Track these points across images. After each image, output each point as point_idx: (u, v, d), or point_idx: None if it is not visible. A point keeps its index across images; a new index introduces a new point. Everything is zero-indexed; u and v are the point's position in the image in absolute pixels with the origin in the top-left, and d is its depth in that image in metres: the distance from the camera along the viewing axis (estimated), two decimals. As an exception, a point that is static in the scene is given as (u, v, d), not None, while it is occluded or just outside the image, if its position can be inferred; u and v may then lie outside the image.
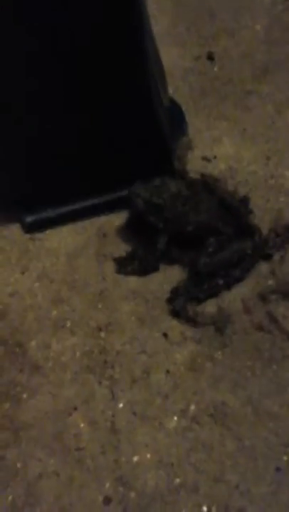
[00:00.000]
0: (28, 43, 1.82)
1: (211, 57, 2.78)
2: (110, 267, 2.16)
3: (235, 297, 2.09)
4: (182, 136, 2.44)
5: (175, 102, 2.53)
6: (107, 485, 1.72)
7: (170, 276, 2.14)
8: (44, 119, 2.02)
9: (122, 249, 2.20)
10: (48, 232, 2.27)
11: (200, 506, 1.68)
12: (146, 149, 2.18)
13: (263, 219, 2.24)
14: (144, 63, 1.98)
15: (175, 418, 1.83)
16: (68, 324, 2.03)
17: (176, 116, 2.50)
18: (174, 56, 2.80)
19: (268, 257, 2.10)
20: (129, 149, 2.16)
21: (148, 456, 1.77)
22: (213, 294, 2.05)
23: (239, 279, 2.06)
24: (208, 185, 2.19)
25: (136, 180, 2.17)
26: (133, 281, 2.11)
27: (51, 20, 1.79)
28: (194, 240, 2.09)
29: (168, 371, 1.91)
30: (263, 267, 2.10)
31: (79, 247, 2.21)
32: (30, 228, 2.24)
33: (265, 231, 2.19)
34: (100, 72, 1.94)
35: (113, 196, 2.29)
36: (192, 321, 1.99)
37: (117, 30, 1.87)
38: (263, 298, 2.04)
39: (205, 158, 2.42)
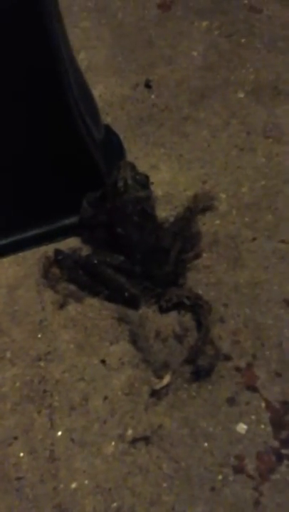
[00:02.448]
0: None
1: (148, 84, 2.84)
2: (50, 296, 2.20)
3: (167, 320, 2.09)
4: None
5: (112, 131, 2.57)
6: (46, 513, 1.74)
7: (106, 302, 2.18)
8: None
9: (63, 278, 2.21)
10: (-12, 264, 2.28)
11: (136, 529, 1.70)
12: (81, 179, 2.22)
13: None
14: (66, 100, 2.02)
15: (113, 443, 1.88)
16: (8, 355, 2.07)
17: (114, 145, 2.54)
18: (113, 85, 2.86)
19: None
20: (64, 180, 2.20)
21: (86, 482, 1.81)
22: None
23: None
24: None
25: (73, 209, 2.20)
26: (72, 309, 2.16)
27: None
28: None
29: (106, 397, 1.96)
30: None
31: (19, 278, 2.25)
32: None
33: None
34: (24, 109, 1.98)
35: (52, 227, 2.31)
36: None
37: (33, 64, 1.92)
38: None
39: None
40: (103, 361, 2.03)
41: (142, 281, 2.16)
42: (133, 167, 2.16)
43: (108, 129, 2.56)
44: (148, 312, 2.15)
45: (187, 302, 2.12)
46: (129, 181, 2.10)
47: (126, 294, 2.13)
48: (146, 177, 2.17)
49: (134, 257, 2.14)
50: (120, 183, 2.10)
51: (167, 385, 1.96)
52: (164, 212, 2.37)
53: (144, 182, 2.14)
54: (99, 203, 2.21)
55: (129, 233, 2.12)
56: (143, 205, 2.12)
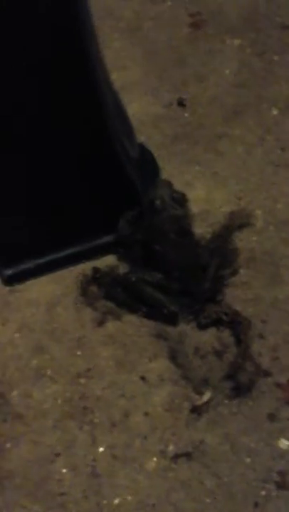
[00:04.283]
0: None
1: (181, 103, 2.87)
2: (89, 314, 2.22)
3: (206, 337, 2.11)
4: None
5: (146, 149, 2.59)
6: (90, 529, 1.75)
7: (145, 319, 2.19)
8: (15, 175, 2.09)
9: (101, 296, 2.22)
10: (27, 283, 2.30)
11: None
12: (117, 198, 2.24)
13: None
14: (103, 120, 2.06)
15: (154, 459, 1.88)
16: (49, 372, 2.09)
17: (149, 164, 2.56)
18: (146, 104, 2.88)
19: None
20: (101, 199, 2.23)
21: (129, 498, 1.81)
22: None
23: None
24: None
25: (109, 227, 2.22)
26: (111, 326, 2.17)
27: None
28: None
29: (146, 413, 1.97)
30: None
31: (58, 296, 2.27)
32: (9, 281, 2.30)
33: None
34: (61, 129, 2.04)
35: (89, 245, 2.33)
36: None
37: (71, 87, 1.97)
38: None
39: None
40: (143, 378, 2.05)
41: (180, 298, 2.16)
42: (170, 185, 2.18)
43: (142, 148, 2.58)
44: (186, 329, 2.16)
45: (226, 318, 2.12)
46: (167, 199, 2.12)
47: (164, 310, 2.14)
48: (183, 195, 2.19)
49: (171, 274, 2.15)
50: (158, 201, 2.12)
51: (208, 401, 1.97)
52: (201, 229, 2.38)
53: (181, 200, 2.17)
54: (136, 221, 2.22)
55: (166, 251, 2.14)
56: (180, 222, 2.13)
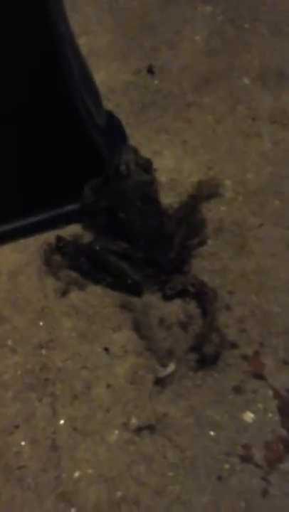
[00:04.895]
0: None
1: (151, 70, 2.80)
2: (52, 283, 2.16)
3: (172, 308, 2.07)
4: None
5: (115, 117, 2.52)
6: (48, 502, 1.72)
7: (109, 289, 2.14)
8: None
9: (65, 265, 2.16)
10: (-12, 251, 2.24)
11: (141, 519, 1.66)
12: (83, 165, 2.18)
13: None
14: (68, 85, 2.02)
15: (116, 432, 1.83)
16: (9, 343, 2.04)
17: (117, 131, 2.49)
18: (115, 71, 2.82)
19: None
20: (66, 166, 2.17)
21: (89, 471, 1.77)
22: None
23: None
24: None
25: (74, 195, 2.15)
26: (74, 296, 2.11)
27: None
28: None
29: (109, 385, 1.92)
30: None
31: (20, 265, 2.21)
32: None
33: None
34: (26, 94, 1.98)
35: (54, 213, 2.27)
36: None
37: (32, 49, 1.90)
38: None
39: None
40: (106, 349, 2.00)
41: (145, 268, 2.12)
42: (135, 151, 2.11)
43: (110, 115, 2.51)
44: (152, 299, 2.11)
45: (192, 289, 2.07)
46: (132, 165, 2.05)
47: (129, 280, 2.09)
48: (149, 161, 2.13)
49: (137, 243, 2.10)
50: (123, 168, 2.05)
51: (172, 373, 1.92)
52: (168, 199, 2.33)
53: (147, 166, 2.10)
54: (101, 188, 2.16)
55: (131, 218, 2.08)
56: (146, 189, 2.07)
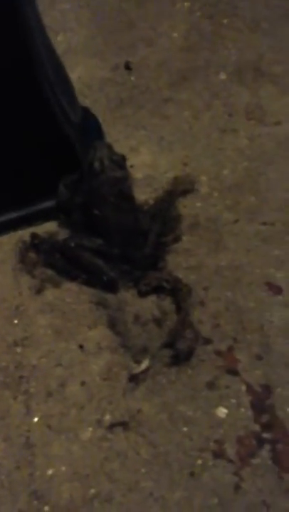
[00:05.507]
0: None
1: (128, 66, 2.80)
2: (27, 281, 2.16)
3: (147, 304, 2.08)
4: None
5: (91, 113, 2.52)
6: (22, 499, 1.72)
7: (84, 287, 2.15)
8: None
9: (40, 263, 2.17)
10: None
11: (114, 516, 1.67)
12: (58, 162, 2.18)
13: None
14: (40, 83, 2.02)
15: (90, 429, 1.84)
16: (-17, 341, 2.01)
17: (93, 128, 2.49)
18: (92, 67, 2.82)
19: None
20: (40, 163, 2.17)
21: (63, 468, 1.77)
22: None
23: None
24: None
25: (49, 192, 2.15)
26: (49, 293, 2.11)
27: None
28: None
29: (83, 382, 1.92)
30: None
31: (-5, 263, 2.19)
32: None
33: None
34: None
35: (29, 210, 2.27)
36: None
37: (6, 49, 1.90)
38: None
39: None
40: (81, 346, 2.00)
41: (120, 265, 2.11)
42: (109, 147, 2.11)
43: (86, 112, 2.51)
44: (127, 296, 2.11)
45: (166, 286, 2.07)
46: (106, 161, 2.05)
47: (104, 277, 2.09)
48: (123, 157, 2.12)
49: (112, 239, 2.10)
50: (96, 164, 2.05)
51: (146, 370, 1.92)
52: (144, 195, 2.34)
53: (121, 162, 2.10)
54: (76, 185, 2.16)
55: (106, 215, 2.08)
56: (120, 185, 2.07)
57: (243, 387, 1.90)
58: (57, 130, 2.14)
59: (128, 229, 2.10)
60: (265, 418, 1.84)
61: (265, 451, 1.78)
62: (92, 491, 1.73)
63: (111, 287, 2.10)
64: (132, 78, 2.78)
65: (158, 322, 2.03)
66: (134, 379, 1.91)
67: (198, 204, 2.33)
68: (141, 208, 2.22)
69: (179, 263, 2.17)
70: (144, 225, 2.14)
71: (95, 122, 2.54)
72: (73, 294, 2.13)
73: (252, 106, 2.66)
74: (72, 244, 2.12)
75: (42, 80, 2.00)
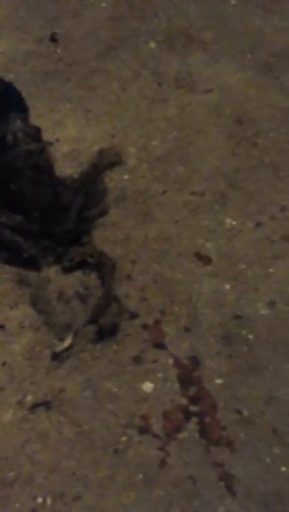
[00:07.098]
0: None
1: (54, 38, 2.71)
2: None
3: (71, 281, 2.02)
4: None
5: (13, 88, 2.42)
6: None
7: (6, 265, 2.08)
8: None
9: None
10: None
11: (35, 498, 1.63)
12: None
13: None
14: None
15: (11, 411, 1.78)
16: None
17: (15, 104, 2.39)
18: (16, 41, 2.74)
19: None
20: None
21: (-18, 454, 1.69)
22: None
23: None
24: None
25: None
26: None
27: None
28: None
29: (4, 363, 1.87)
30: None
31: None
32: None
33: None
34: None
35: None
36: None
37: None
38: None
39: (47, 142, 2.32)
40: (2, 326, 1.95)
41: (41, 241, 2.02)
42: (24, 120, 2.03)
43: (8, 87, 2.41)
44: (49, 273, 2.05)
45: (91, 261, 2.00)
46: (19, 134, 1.97)
47: (25, 255, 2.01)
48: (38, 129, 2.05)
49: (31, 215, 2.01)
50: (9, 136, 1.96)
51: (69, 347, 1.86)
52: (70, 170, 2.28)
53: (36, 134, 2.01)
54: None
55: (22, 189, 2.00)
56: (35, 158, 1.98)
57: (170, 361, 1.85)
58: None
59: (47, 204, 2.02)
60: (192, 391, 1.79)
61: (192, 425, 1.73)
62: (12, 473, 1.68)
63: (32, 264, 2.04)
64: (58, 50, 2.71)
65: (82, 298, 1.97)
66: (57, 357, 1.85)
67: (126, 176, 2.27)
68: (64, 182, 2.12)
69: (105, 237, 2.12)
70: (65, 199, 2.06)
71: (18, 97, 2.44)
72: (-8, 273, 2.03)
73: (182, 74, 2.59)
74: None
75: None
